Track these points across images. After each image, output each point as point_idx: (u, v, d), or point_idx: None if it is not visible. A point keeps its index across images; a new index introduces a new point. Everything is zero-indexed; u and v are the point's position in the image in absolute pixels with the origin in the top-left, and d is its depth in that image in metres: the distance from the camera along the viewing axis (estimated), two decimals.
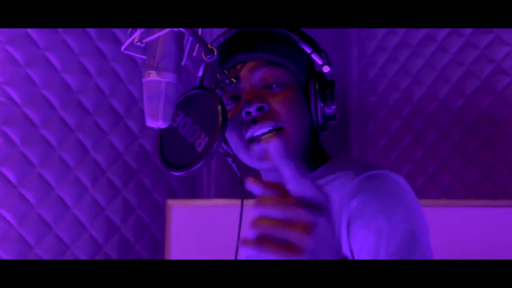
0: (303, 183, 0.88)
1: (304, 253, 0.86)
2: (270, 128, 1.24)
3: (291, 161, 0.87)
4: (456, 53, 2.59)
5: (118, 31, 2.42)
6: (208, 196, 2.72)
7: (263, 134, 1.24)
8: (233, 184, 2.66)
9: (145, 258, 2.51)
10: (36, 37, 2.23)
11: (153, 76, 1.11)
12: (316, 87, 1.30)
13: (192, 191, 2.72)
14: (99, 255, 2.34)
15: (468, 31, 2.55)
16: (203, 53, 1.13)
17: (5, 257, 2.12)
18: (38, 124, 2.23)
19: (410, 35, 2.71)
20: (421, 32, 2.68)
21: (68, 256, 2.26)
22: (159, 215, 2.54)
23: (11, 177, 2.16)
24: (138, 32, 1.12)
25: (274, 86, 1.27)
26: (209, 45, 1.13)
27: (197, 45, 1.14)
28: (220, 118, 1.16)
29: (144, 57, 1.15)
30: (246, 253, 0.85)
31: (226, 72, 1.20)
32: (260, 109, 1.24)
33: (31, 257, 2.17)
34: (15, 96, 2.18)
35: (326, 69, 1.33)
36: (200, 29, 1.13)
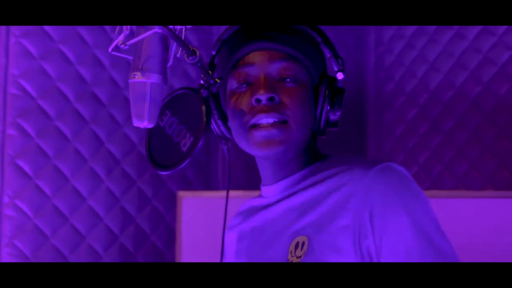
0: None
1: None
2: (276, 119, 1.25)
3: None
4: (473, 40, 2.56)
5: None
6: (223, 188, 2.74)
7: (268, 123, 1.25)
8: (246, 175, 2.68)
9: (161, 248, 2.54)
10: (50, 30, 2.26)
11: (138, 77, 1.13)
12: (327, 91, 1.31)
13: (207, 182, 2.74)
14: (114, 245, 2.38)
15: None
16: (185, 54, 1.14)
17: (22, 247, 2.17)
18: (53, 117, 2.26)
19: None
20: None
21: (84, 247, 2.30)
22: (174, 206, 2.57)
23: (27, 169, 2.20)
24: (123, 34, 1.13)
25: (288, 80, 1.28)
26: (190, 47, 1.14)
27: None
28: (204, 119, 1.17)
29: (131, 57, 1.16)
30: None
31: (210, 72, 1.22)
32: (271, 99, 1.25)
33: (46, 247, 2.21)
34: (30, 89, 2.22)
35: (340, 75, 1.32)
36: (184, 28, 1.14)
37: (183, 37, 1.14)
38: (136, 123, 1.15)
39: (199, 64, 1.17)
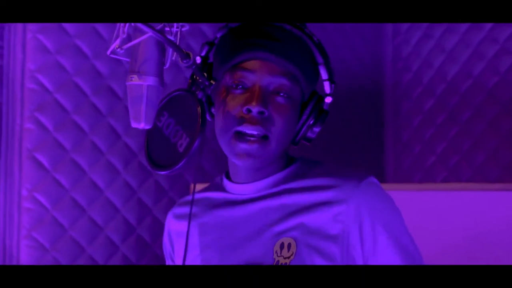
0: None
1: None
2: (259, 134, 1.29)
3: None
4: (490, 29, 2.55)
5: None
6: None
7: (252, 134, 1.29)
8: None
9: None
10: (66, 25, 2.29)
11: (135, 80, 1.15)
12: (314, 112, 1.36)
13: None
14: (131, 236, 2.42)
15: None
16: (179, 58, 1.16)
17: (40, 239, 2.21)
18: (70, 110, 2.30)
19: None
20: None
21: (101, 238, 2.34)
22: None
23: (45, 162, 2.24)
24: (120, 38, 1.15)
25: (281, 94, 1.31)
26: (184, 50, 1.15)
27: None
28: (199, 120, 1.19)
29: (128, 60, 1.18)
30: None
31: (205, 74, 1.23)
32: (260, 113, 1.28)
33: (65, 239, 2.26)
34: (47, 83, 2.26)
35: (328, 99, 1.38)
36: (179, 31, 1.15)
37: (178, 39, 1.16)
38: (134, 124, 1.18)
39: (193, 67, 1.19)
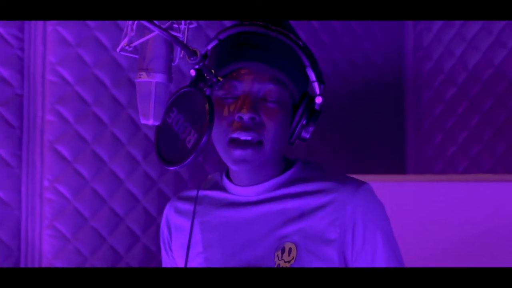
0: None
1: None
2: (253, 139, 1.33)
3: None
4: None
5: None
6: None
7: (246, 140, 1.33)
8: None
9: None
10: None
11: (143, 77, 1.17)
12: (305, 113, 1.40)
13: None
14: (152, 226, 2.44)
15: None
16: (187, 56, 1.17)
17: (62, 229, 2.25)
18: (90, 102, 2.32)
19: None
20: None
21: (122, 228, 2.36)
22: None
23: (66, 154, 2.27)
24: (128, 36, 1.16)
25: (270, 99, 1.35)
26: (190, 48, 1.17)
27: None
28: (207, 116, 1.21)
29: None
30: None
31: (213, 71, 1.25)
32: (252, 119, 1.33)
33: (86, 229, 2.29)
34: (67, 75, 2.28)
35: (318, 100, 1.42)
36: (187, 28, 1.16)
37: (186, 37, 1.17)
38: (143, 120, 1.20)
39: (201, 64, 1.20)
